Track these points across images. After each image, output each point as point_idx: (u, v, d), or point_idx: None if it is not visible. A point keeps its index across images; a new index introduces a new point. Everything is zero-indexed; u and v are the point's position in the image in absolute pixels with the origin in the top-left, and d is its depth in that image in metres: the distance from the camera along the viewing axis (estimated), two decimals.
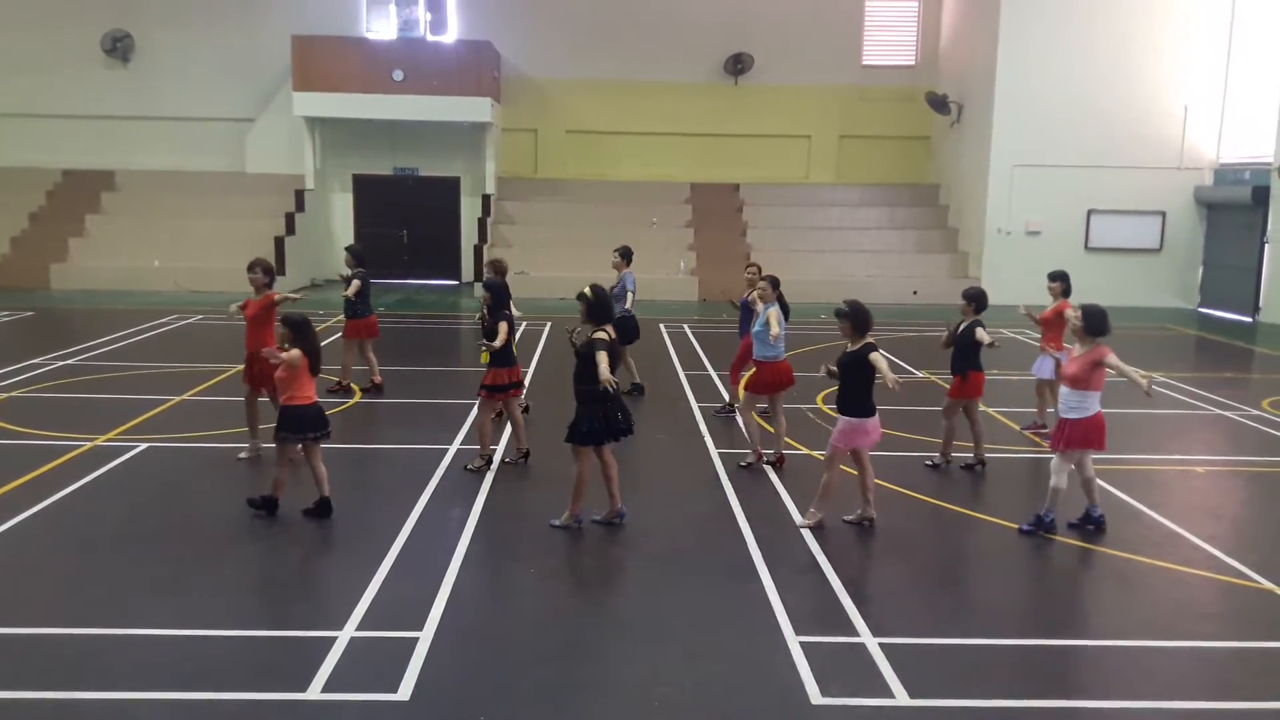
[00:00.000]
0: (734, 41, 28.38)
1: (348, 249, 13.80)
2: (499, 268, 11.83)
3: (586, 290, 8.29)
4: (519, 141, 28.89)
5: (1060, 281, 11.55)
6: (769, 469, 10.15)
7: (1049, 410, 11.60)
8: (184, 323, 19.47)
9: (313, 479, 8.55)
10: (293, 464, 8.55)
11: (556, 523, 8.38)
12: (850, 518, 8.62)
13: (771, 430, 10.51)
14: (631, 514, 8.65)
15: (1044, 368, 11.62)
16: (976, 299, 10.26)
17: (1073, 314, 8.54)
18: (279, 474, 8.48)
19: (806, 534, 8.32)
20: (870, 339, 8.40)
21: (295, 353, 8.28)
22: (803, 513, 8.72)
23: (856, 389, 8.33)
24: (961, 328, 10.20)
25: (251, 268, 10.23)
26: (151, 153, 27.65)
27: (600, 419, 8.11)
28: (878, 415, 8.46)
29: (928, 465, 10.43)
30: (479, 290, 10.16)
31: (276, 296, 10.16)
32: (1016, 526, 8.59)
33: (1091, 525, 8.55)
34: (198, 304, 21.39)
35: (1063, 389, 8.45)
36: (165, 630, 6.43)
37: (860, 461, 8.53)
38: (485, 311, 10.09)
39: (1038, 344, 12.24)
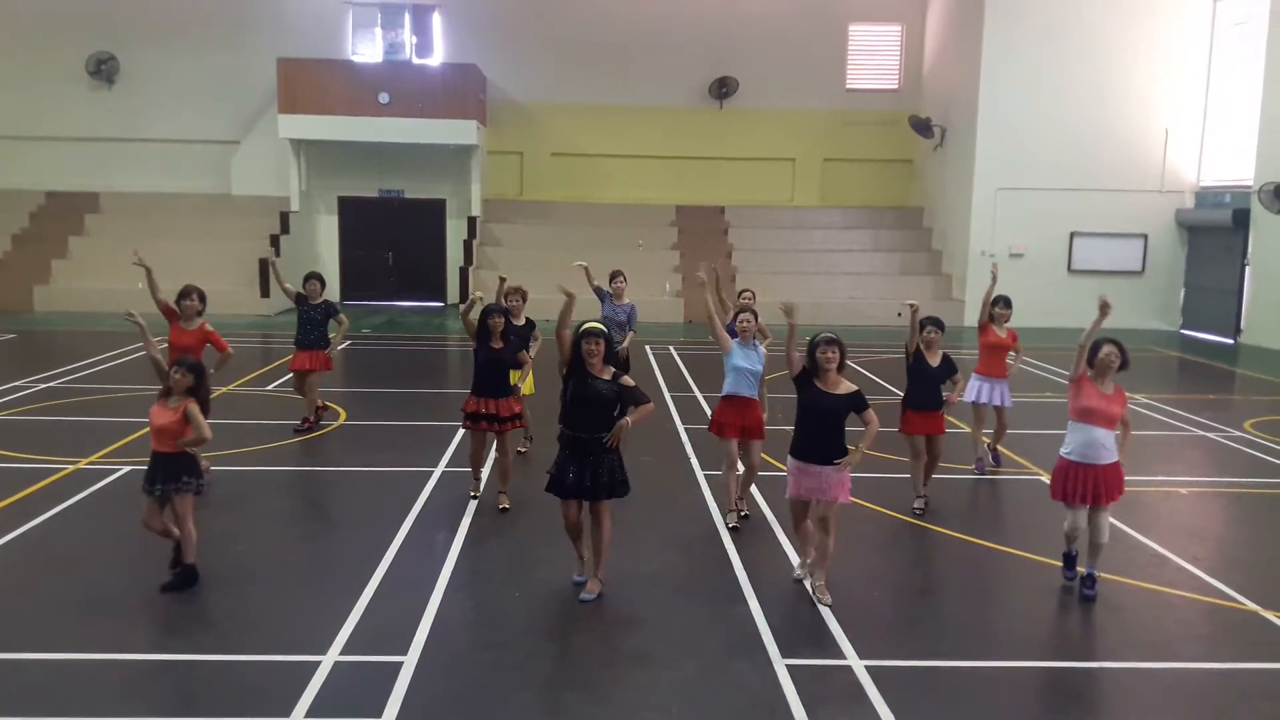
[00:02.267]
0: (719, 65, 28.56)
1: (318, 277, 12.79)
2: (524, 295, 11.19)
3: (600, 326, 7.32)
4: (504, 164, 28.96)
5: (1010, 308, 11.27)
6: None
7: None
8: (167, 345, 19.33)
9: (184, 539, 7.52)
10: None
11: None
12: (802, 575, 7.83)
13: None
14: (617, 538, 8.59)
15: (1002, 394, 11.14)
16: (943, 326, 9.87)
17: (1110, 351, 7.67)
18: (191, 530, 7.53)
19: (792, 556, 8.30)
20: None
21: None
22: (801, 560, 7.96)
23: (839, 431, 7.48)
24: (942, 359, 9.71)
25: (188, 294, 10.09)
26: (136, 174, 27.62)
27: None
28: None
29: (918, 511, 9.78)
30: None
31: (208, 326, 10.12)
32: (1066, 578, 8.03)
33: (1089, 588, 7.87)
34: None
35: (1103, 431, 7.59)
36: (148, 655, 6.39)
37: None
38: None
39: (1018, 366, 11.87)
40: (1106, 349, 7.68)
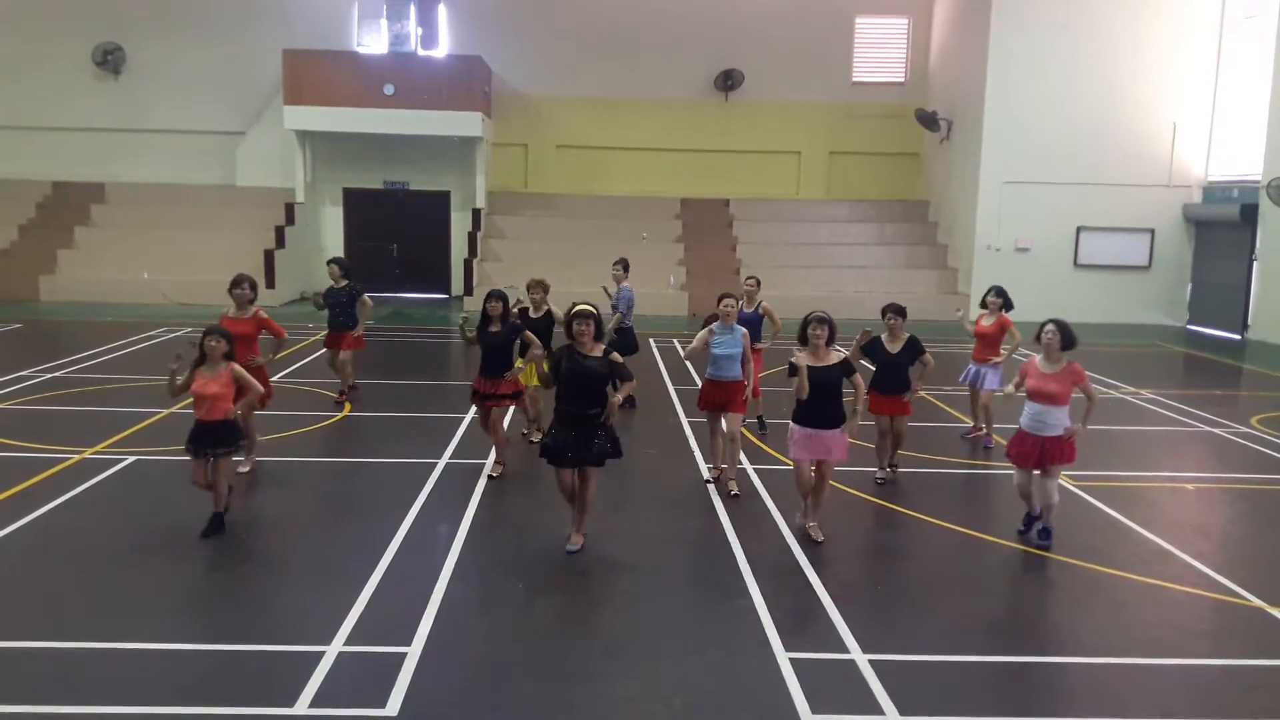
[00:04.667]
0: (724, 58, 28.50)
1: (338, 262, 13.68)
2: (545, 288, 11.63)
3: (590, 308, 7.98)
4: (509, 156, 28.93)
5: (1001, 296, 12.03)
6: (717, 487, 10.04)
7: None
8: (173, 335, 19.41)
9: (219, 493, 8.37)
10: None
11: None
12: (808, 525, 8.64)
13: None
14: (621, 530, 8.65)
15: (991, 380, 11.85)
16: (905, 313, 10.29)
17: (1049, 330, 8.42)
18: (225, 487, 8.40)
19: (795, 549, 8.31)
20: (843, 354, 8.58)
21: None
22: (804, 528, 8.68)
23: (837, 398, 8.41)
24: (906, 344, 10.16)
25: (240, 283, 10.14)
26: (142, 165, 27.63)
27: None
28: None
29: (879, 481, 10.40)
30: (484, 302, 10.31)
31: (264, 313, 10.21)
32: (1016, 538, 8.58)
33: (1037, 524, 8.72)
34: (186, 316, 21.31)
35: (1042, 407, 8.35)
36: (152, 644, 6.39)
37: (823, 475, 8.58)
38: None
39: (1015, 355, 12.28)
40: (1047, 329, 8.44)
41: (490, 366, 10.07)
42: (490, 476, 10.15)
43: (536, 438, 11.53)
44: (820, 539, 8.45)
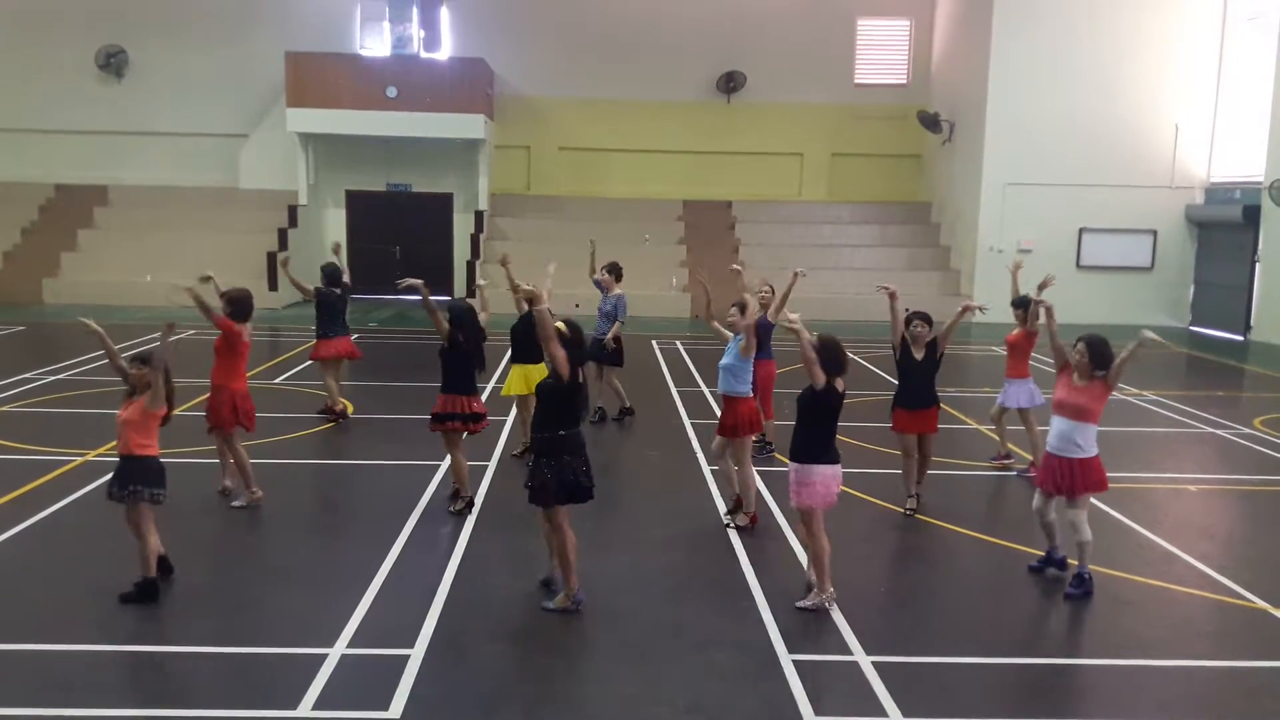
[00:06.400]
0: (726, 60, 28.52)
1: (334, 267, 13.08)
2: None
3: (563, 326, 6.81)
4: (512, 158, 28.96)
5: (1024, 308, 10.77)
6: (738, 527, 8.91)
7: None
8: (175, 338, 19.36)
9: (144, 554, 7.01)
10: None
11: (551, 605, 7.11)
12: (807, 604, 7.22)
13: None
14: (624, 532, 8.64)
15: (1034, 397, 10.70)
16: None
17: (1078, 349, 7.53)
18: (152, 543, 7.06)
19: (798, 550, 8.28)
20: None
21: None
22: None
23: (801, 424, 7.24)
24: (927, 348, 9.32)
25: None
26: (145, 168, 27.69)
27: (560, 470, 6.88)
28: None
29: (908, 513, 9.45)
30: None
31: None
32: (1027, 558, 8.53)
33: (1054, 567, 7.94)
34: (189, 319, 21.28)
35: (1070, 424, 7.48)
36: (156, 647, 6.41)
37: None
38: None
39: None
40: (1076, 348, 7.58)
41: (448, 380, 8.99)
42: (451, 511, 9.16)
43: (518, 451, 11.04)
44: (813, 603, 7.19)
